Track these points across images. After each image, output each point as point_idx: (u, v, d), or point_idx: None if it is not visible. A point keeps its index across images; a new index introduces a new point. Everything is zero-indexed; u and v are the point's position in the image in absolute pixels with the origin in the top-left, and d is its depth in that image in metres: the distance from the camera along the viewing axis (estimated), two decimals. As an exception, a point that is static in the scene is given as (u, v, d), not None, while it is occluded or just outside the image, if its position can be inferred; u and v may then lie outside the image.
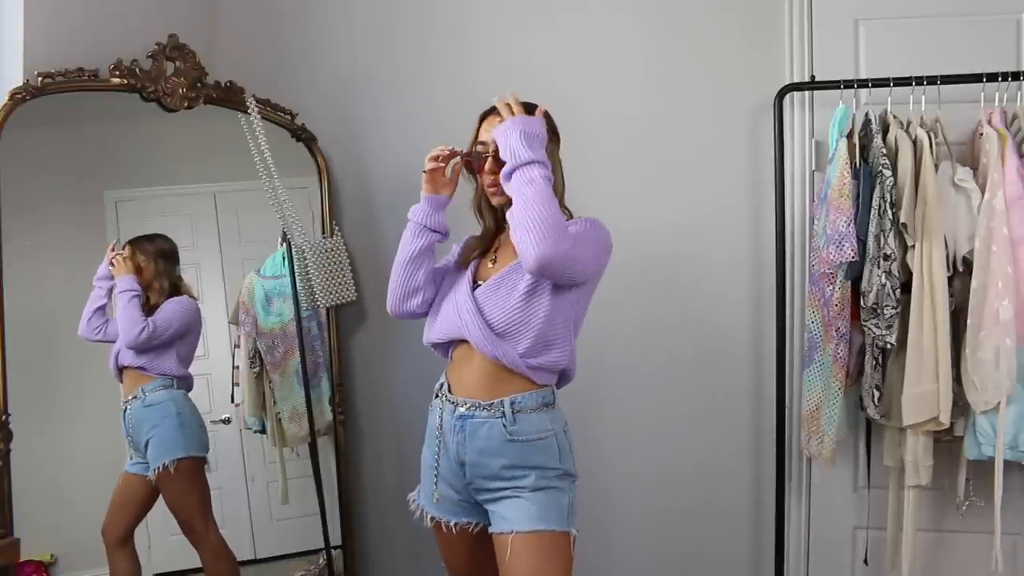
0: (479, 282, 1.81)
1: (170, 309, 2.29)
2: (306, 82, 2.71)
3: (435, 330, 1.85)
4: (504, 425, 1.74)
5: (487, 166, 1.78)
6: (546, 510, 1.72)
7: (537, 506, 1.72)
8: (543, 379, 1.78)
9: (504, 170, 1.68)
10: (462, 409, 1.77)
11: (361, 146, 2.71)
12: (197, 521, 2.30)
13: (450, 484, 1.81)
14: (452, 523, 1.83)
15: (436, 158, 1.83)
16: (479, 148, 1.80)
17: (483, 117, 1.83)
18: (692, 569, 2.59)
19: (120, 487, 2.28)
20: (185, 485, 2.27)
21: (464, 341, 1.78)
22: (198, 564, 2.35)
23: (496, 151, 1.74)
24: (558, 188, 1.78)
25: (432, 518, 1.85)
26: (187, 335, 2.34)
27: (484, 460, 1.75)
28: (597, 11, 2.57)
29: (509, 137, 1.67)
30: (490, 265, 1.85)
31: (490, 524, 1.79)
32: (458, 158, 1.83)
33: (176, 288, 2.34)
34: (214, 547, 2.32)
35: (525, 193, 1.63)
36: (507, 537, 1.71)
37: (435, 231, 1.86)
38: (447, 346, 1.85)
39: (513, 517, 1.72)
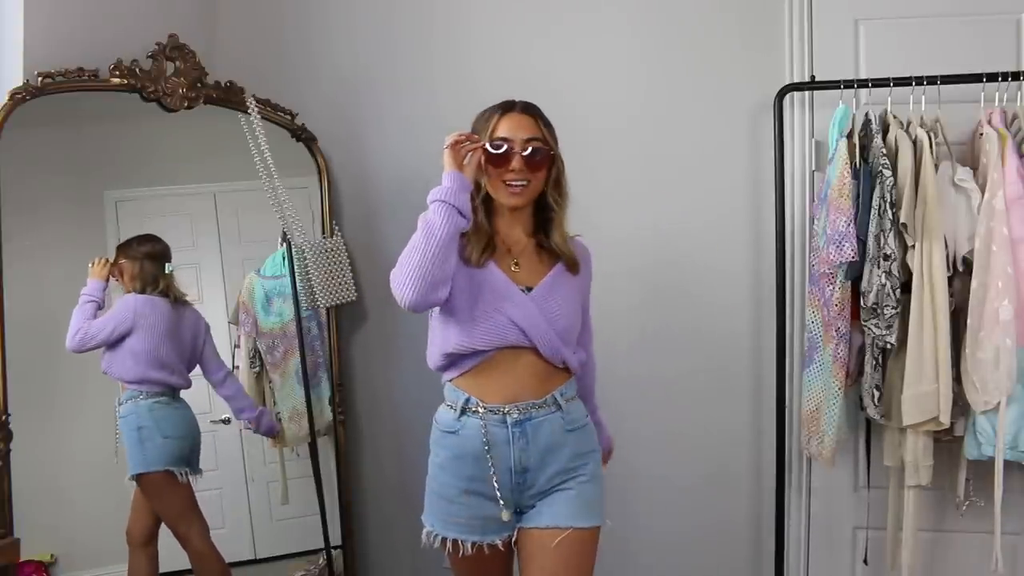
0: (520, 287, 1.76)
1: (110, 310, 2.24)
2: (306, 82, 2.71)
3: (478, 338, 1.71)
4: (562, 417, 1.75)
5: (514, 163, 1.72)
6: (596, 503, 1.77)
7: (589, 499, 1.76)
8: (575, 370, 1.83)
9: None
10: (515, 415, 1.72)
11: (361, 146, 2.71)
12: (178, 528, 2.29)
13: (504, 500, 1.73)
14: (499, 541, 1.75)
15: (461, 140, 1.72)
16: (501, 143, 1.72)
17: (504, 112, 1.76)
18: (692, 569, 2.59)
19: (138, 489, 2.28)
20: (154, 498, 2.26)
21: (505, 347, 1.72)
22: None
23: (524, 149, 1.72)
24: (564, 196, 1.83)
25: (475, 544, 1.74)
26: (134, 332, 2.25)
27: (551, 457, 1.74)
28: (597, 12, 2.56)
29: None
30: (514, 268, 1.79)
31: (525, 521, 1.75)
32: (478, 146, 1.73)
33: (156, 286, 2.30)
34: (196, 552, 2.30)
35: None
36: (563, 532, 1.71)
37: (463, 215, 1.68)
38: (472, 355, 1.74)
39: (567, 512, 1.73)
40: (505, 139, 1.73)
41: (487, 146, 1.73)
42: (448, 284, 1.68)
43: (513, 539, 1.77)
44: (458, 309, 1.73)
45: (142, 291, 2.28)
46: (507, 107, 1.78)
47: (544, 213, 1.83)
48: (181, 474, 2.29)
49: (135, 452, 2.24)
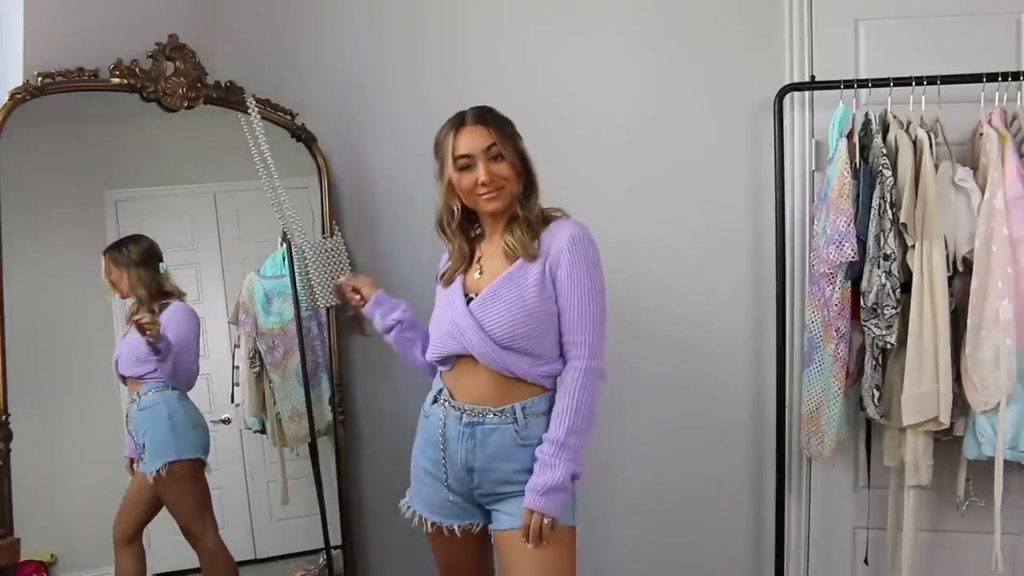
0: (470, 295, 1.80)
1: (177, 323, 2.25)
2: (306, 82, 2.71)
3: (433, 348, 1.85)
4: (516, 431, 1.74)
5: (481, 177, 1.74)
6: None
7: None
8: (551, 383, 1.78)
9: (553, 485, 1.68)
10: (469, 416, 1.76)
11: (361, 146, 2.71)
12: (194, 524, 2.29)
13: (453, 489, 1.81)
14: (456, 526, 1.82)
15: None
16: (464, 161, 1.76)
17: (457, 128, 1.78)
18: (692, 568, 2.58)
19: (131, 485, 2.27)
20: (179, 488, 2.26)
21: (465, 355, 1.77)
22: (198, 564, 2.35)
23: (489, 148, 1.75)
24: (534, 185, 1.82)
25: (433, 523, 1.84)
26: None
27: (495, 465, 1.75)
28: (597, 11, 2.56)
29: (552, 502, 1.69)
30: (477, 276, 1.82)
31: (490, 523, 1.80)
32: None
33: (160, 289, 2.28)
34: (211, 551, 2.30)
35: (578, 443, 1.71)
36: (518, 533, 1.70)
37: (390, 327, 1.98)
38: (446, 359, 1.83)
39: (522, 512, 1.72)
40: (466, 156, 1.76)
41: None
42: (416, 359, 1.98)
43: (475, 530, 1.82)
44: (430, 326, 1.89)
45: (149, 297, 2.27)
46: (459, 122, 1.79)
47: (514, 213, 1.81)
48: (208, 465, 2.31)
49: (166, 439, 2.24)
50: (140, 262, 2.28)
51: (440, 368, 1.86)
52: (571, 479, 1.69)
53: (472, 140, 1.76)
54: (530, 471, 1.72)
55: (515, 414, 1.74)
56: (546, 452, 1.69)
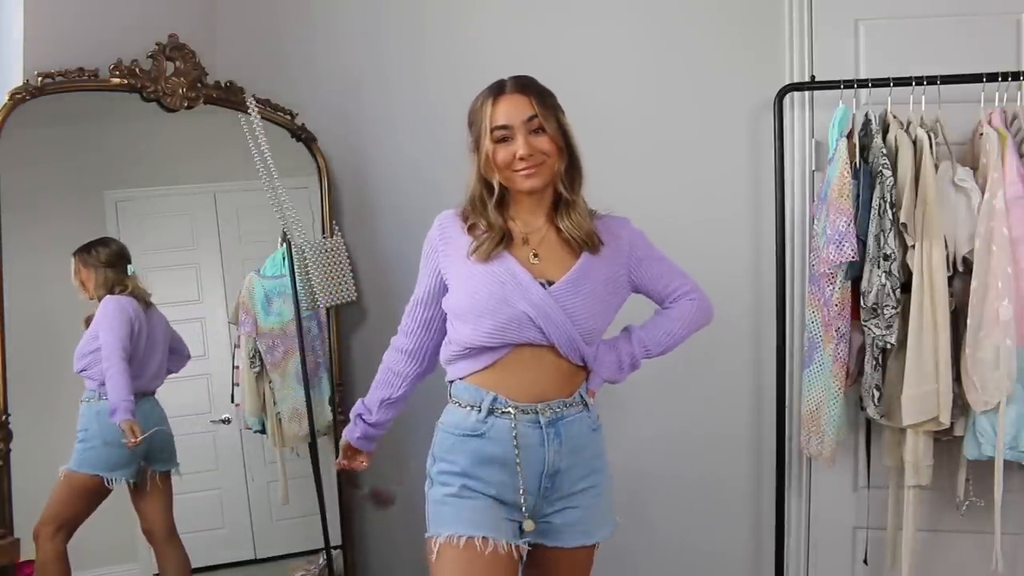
0: (540, 280, 1.62)
1: (107, 318, 2.20)
2: (306, 82, 2.71)
3: (490, 333, 1.60)
4: (588, 416, 1.67)
5: (519, 151, 1.60)
6: (609, 509, 1.72)
7: (605, 507, 1.70)
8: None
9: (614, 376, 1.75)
10: (548, 414, 1.61)
11: (361, 146, 2.71)
12: (44, 526, 2.15)
13: (526, 508, 1.63)
14: (506, 543, 1.57)
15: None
16: (501, 132, 1.62)
17: (496, 95, 1.65)
18: (692, 568, 2.59)
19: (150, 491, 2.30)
20: (56, 490, 2.17)
21: (524, 345, 1.60)
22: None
23: (530, 120, 1.62)
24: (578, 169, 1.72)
25: (485, 538, 1.55)
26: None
27: (580, 459, 1.65)
28: (596, 10, 2.56)
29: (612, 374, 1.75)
30: (533, 259, 1.65)
31: (546, 537, 1.65)
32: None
33: (124, 291, 2.26)
34: (43, 560, 2.14)
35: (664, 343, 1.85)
36: (590, 549, 1.68)
37: (382, 420, 1.93)
38: (485, 351, 1.63)
39: (589, 529, 1.66)
40: (504, 127, 1.62)
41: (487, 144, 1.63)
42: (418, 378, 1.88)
43: (517, 552, 1.59)
44: (468, 304, 1.63)
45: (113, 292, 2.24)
46: (499, 89, 1.66)
47: (559, 196, 1.69)
48: (108, 480, 2.21)
49: (75, 449, 2.20)
50: (108, 263, 2.25)
51: (468, 369, 1.65)
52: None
53: (512, 110, 1.63)
54: (599, 456, 1.70)
55: (583, 400, 1.67)
56: (631, 355, 1.76)
